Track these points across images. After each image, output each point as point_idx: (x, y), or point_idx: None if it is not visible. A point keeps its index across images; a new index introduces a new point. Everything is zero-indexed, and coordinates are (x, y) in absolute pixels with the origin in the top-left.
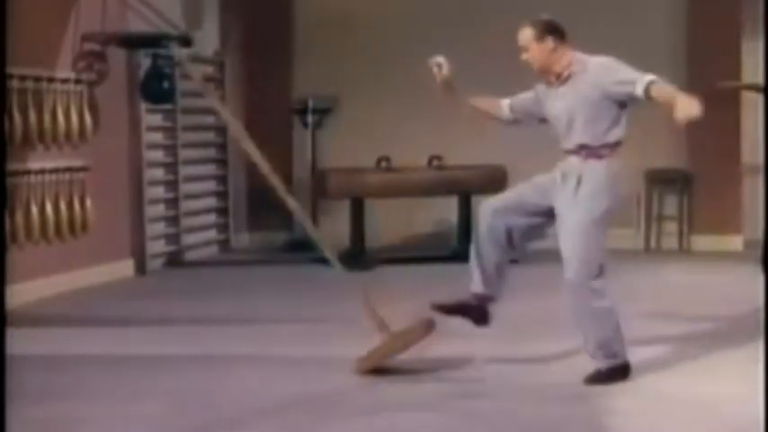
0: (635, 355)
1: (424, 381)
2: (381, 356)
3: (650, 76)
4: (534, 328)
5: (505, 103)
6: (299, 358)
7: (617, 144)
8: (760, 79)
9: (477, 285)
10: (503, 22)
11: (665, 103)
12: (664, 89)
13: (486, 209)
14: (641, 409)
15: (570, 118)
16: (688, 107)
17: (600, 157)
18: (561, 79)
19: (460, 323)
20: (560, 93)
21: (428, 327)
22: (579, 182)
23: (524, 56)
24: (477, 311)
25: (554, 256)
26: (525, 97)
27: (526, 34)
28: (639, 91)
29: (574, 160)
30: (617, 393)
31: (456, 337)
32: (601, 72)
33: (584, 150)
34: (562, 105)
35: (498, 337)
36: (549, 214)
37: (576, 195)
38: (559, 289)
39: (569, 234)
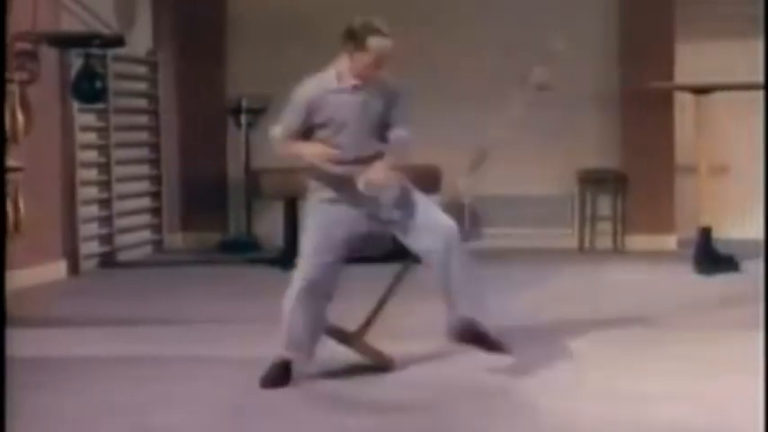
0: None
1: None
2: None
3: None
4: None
5: None
6: (232, 358)
7: None
8: (701, 80)
9: None
10: (445, 19)
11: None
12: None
13: None
14: (571, 407)
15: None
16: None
17: None
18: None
19: None
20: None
21: (389, 363)
22: None
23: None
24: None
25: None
26: None
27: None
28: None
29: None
30: (556, 391)
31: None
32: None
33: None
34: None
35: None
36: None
37: None
38: None
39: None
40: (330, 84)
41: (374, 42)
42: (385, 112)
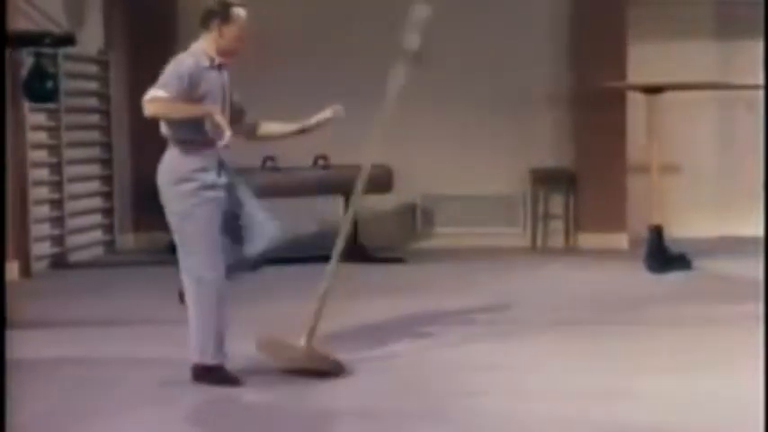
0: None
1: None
2: (279, 356)
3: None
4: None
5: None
6: (182, 360)
7: None
8: (652, 80)
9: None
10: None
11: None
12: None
13: None
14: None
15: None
16: None
17: None
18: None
19: None
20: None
21: (338, 369)
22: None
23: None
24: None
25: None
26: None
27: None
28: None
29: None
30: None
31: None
32: None
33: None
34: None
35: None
36: None
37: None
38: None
39: None
40: (203, 60)
41: (238, 12)
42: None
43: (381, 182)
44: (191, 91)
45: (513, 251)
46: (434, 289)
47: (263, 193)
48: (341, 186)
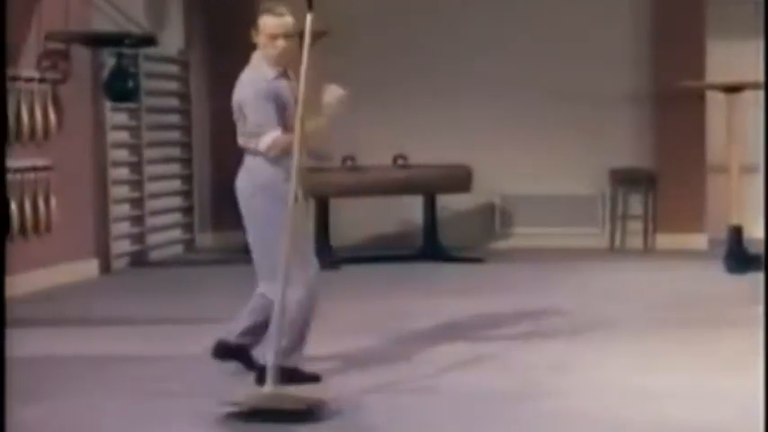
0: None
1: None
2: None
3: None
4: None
5: None
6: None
7: None
8: (727, 78)
9: None
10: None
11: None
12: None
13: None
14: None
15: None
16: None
17: None
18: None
19: None
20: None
21: (318, 407)
22: None
23: (283, 43)
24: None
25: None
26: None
27: (291, 21)
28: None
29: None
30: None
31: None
32: None
33: None
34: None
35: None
36: None
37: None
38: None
39: None
40: (268, 73)
41: (262, 22)
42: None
43: (461, 182)
44: (280, 107)
45: (591, 252)
46: (512, 289)
47: (343, 192)
48: (420, 186)
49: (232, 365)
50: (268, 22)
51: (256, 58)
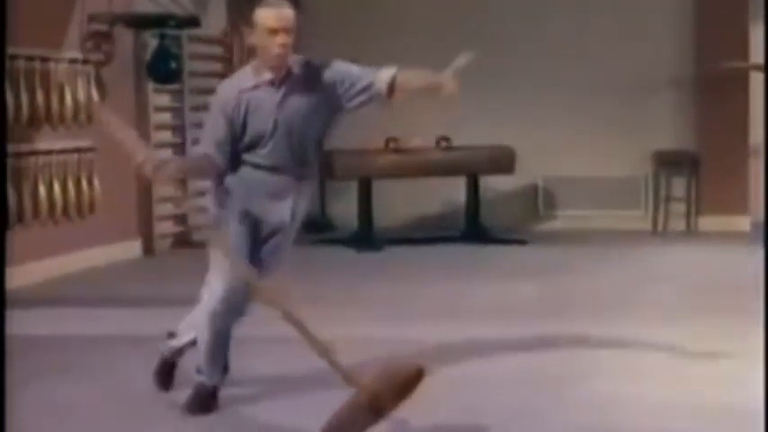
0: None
1: None
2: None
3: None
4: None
5: None
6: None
7: None
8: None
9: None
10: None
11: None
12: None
13: None
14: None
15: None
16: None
17: None
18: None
19: None
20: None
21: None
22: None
23: (284, 40)
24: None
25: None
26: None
27: (291, 14)
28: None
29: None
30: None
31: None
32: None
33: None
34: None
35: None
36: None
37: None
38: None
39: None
40: (244, 82)
41: (259, 15)
42: (324, 104)
43: (504, 163)
44: (235, 128)
45: (634, 234)
46: (556, 270)
47: (387, 174)
48: (463, 167)
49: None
50: (266, 15)
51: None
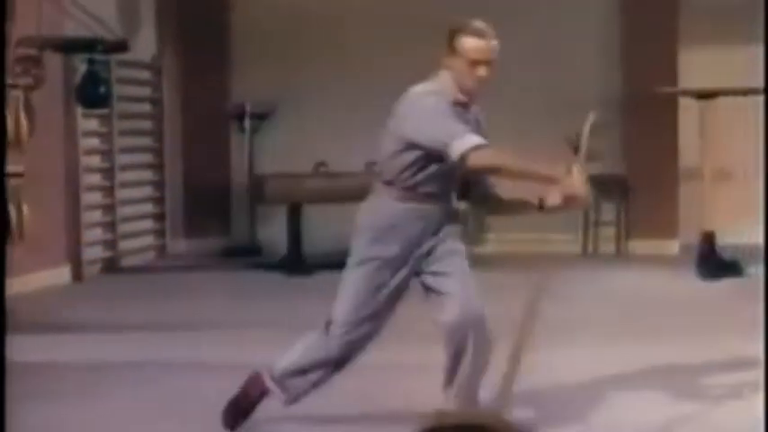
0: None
1: None
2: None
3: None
4: None
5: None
6: (234, 363)
7: None
8: (705, 85)
9: None
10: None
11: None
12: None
13: None
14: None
15: None
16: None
17: None
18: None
19: None
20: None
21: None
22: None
23: (485, 73)
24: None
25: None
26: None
27: (496, 46)
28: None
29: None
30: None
31: None
32: None
33: None
34: None
35: None
36: None
37: None
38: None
39: None
40: (447, 95)
41: (464, 43)
42: None
43: None
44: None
45: (565, 257)
46: (485, 293)
47: (316, 198)
48: None
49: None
50: (472, 45)
51: (443, 77)
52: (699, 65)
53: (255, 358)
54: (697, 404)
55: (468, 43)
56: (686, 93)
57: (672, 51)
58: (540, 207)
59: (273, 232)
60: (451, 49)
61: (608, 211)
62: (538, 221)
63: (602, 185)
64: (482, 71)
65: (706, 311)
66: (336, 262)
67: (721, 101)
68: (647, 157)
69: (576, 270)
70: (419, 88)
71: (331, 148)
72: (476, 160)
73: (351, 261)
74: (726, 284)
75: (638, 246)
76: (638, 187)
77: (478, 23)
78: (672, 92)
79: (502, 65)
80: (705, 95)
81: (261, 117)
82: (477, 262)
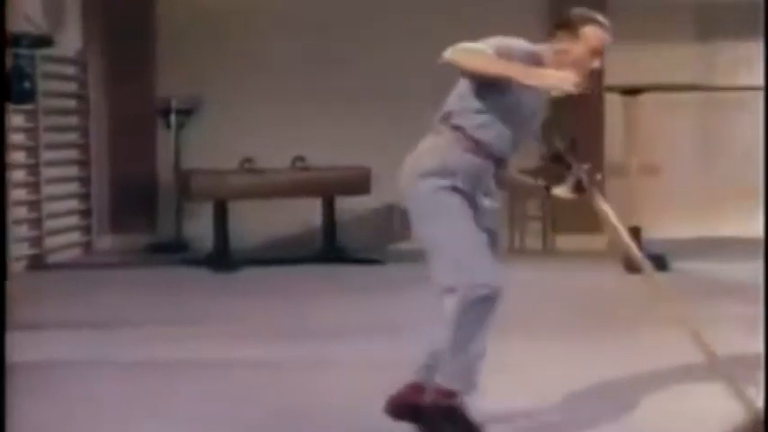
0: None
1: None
2: None
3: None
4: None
5: None
6: (160, 361)
7: None
8: (626, 81)
9: None
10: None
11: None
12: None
13: None
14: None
15: None
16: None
17: None
18: None
19: None
20: None
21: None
22: None
23: (598, 65)
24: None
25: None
26: None
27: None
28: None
29: None
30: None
31: None
32: None
33: None
34: None
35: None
36: None
37: None
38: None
39: None
40: (542, 55)
41: (589, 31)
42: None
43: (360, 184)
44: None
45: None
46: (410, 289)
47: (242, 194)
48: (319, 188)
49: None
50: (597, 34)
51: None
52: (625, 62)
53: (179, 354)
54: (623, 396)
55: (595, 32)
56: (611, 89)
57: None
58: (547, 189)
59: (200, 228)
60: (574, 34)
61: (534, 206)
62: None
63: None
64: (596, 62)
65: (632, 306)
66: (263, 258)
67: (648, 97)
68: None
69: (503, 265)
70: None
71: (257, 143)
72: (454, 55)
73: (429, 211)
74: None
75: (566, 241)
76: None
77: (601, 16)
78: (596, 88)
79: (427, 62)
80: (630, 92)
81: (186, 113)
82: (404, 257)
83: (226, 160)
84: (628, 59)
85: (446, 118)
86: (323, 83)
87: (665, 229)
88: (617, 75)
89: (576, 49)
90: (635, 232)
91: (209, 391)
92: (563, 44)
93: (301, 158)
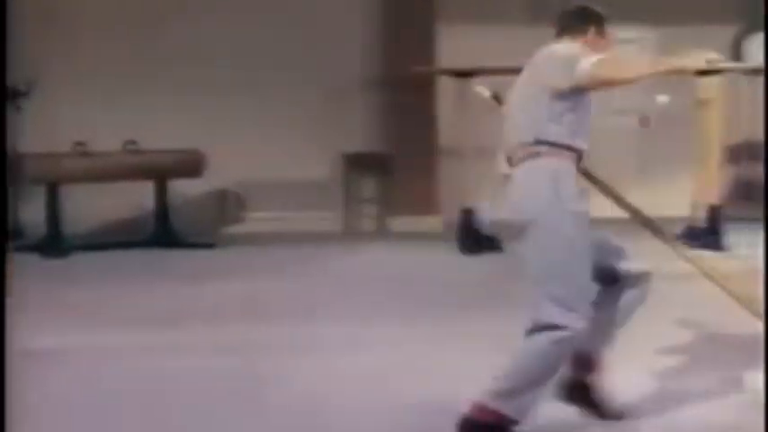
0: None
1: None
2: None
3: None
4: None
5: None
6: None
7: None
8: (460, 64)
9: None
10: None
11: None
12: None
13: None
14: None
15: None
16: None
17: None
18: None
19: None
20: None
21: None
22: None
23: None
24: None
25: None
26: None
27: None
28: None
29: None
30: None
31: None
32: None
33: None
34: None
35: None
36: None
37: None
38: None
39: None
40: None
41: (611, 30)
42: None
43: (192, 167)
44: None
45: (326, 235)
46: (243, 273)
47: (73, 178)
48: (150, 171)
49: None
50: (613, 34)
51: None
52: (458, 45)
53: (8, 344)
54: (457, 378)
55: (612, 31)
56: (443, 72)
57: (430, 31)
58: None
59: (35, 213)
60: (601, 32)
61: (370, 188)
62: (299, 200)
63: (363, 162)
64: (610, 53)
65: (468, 287)
66: (95, 243)
67: (482, 80)
68: (407, 135)
69: (337, 247)
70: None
71: (90, 127)
72: (600, 74)
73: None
74: (487, 260)
75: (401, 222)
76: (398, 165)
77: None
78: (429, 71)
79: (263, 42)
80: (462, 74)
81: (20, 95)
82: (237, 241)
83: (60, 144)
84: (461, 42)
85: (537, 137)
86: (154, 69)
87: (498, 210)
88: (452, 57)
89: (601, 45)
90: (468, 213)
91: (38, 378)
92: (591, 38)
93: (133, 142)
